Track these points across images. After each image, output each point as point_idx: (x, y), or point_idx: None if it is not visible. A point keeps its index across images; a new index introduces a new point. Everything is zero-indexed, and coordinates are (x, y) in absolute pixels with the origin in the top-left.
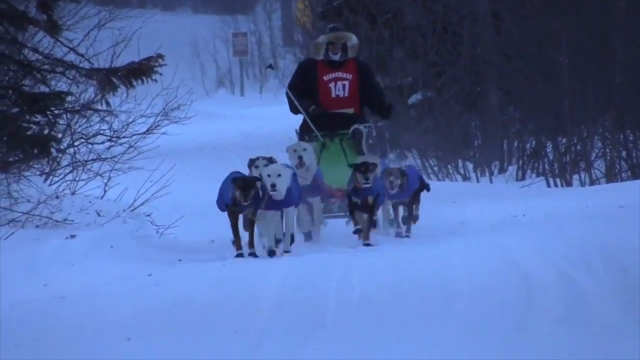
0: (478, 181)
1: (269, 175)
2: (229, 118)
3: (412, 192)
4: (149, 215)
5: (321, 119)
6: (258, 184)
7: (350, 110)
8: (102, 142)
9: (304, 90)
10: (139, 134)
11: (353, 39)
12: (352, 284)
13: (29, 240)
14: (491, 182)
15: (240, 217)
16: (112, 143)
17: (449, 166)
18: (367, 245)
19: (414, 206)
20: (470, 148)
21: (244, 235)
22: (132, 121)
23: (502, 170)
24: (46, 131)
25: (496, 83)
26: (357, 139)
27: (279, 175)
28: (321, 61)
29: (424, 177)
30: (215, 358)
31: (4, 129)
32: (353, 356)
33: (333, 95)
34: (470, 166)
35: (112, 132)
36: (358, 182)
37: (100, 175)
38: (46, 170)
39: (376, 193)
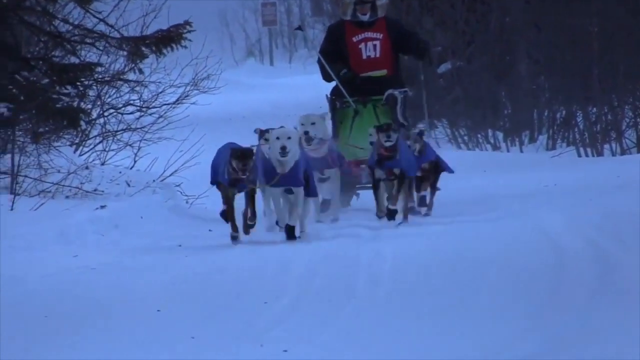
0: (508, 151)
1: (277, 138)
2: (258, 88)
3: (428, 161)
4: (178, 185)
5: (353, 84)
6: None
7: (383, 72)
8: (132, 113)
9: (336, 54)
10: (168, 104)
11: None
12: (382, 253)
13: (59, 211)
14: (521, 151)
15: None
16: (142, 113)
17: (479, 135)
18: (393, 211)
19: (430, 182)
20: (500, 117)
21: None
22: (162, 91)
23: (532, 139)
24: (76, 102)
25: (525, 52)
26: (391, 104)
27: (289, 138)
28: (349, 22)
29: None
30: (246, 328)
31: (34, 100)
32: (384, 326)
33: (364, 56)
34: (500, 135)
35: (141, 103)
36: (383, 147)
37: (130, 145)
38: (76, 141)
39: (403, 165)
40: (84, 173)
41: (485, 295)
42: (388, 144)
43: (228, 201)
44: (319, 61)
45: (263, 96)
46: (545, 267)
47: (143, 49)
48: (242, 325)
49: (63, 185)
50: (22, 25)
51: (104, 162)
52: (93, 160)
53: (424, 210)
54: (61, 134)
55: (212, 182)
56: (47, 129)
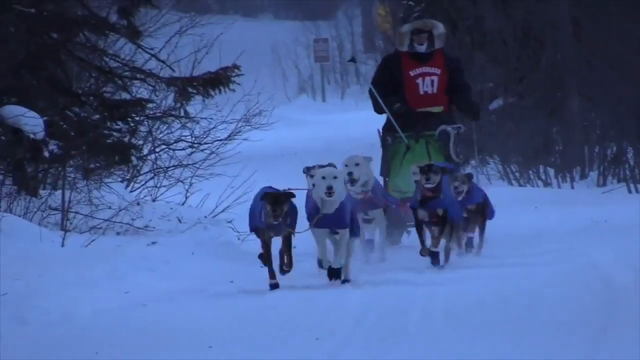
0: (559, 187)
1: (323, 178)
2: (311, 124)
3: (475, 203)
4: (230, 221)
5: (406, 118)
6: (293, 200)
7: (439, 109)
8: (183, 149)
9: (389, 86)
10: (220, 140)
11: (440, 28)
12: (435, 291)
13: (110, 247)
14: (572, 187)
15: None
16: (193, 149)
17: (530, 171)
18: (437, 264)
19: (479, 225)
20: (552, 153)
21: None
22: (213, 127)
23: (583, 176)
24: (127, 138)
25: (577, 88)
26: (444, 140)
27: (335, 177)
28: (405, 54)
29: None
30: None
31: (85, 136)
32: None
33: (421, 92)
34: (551, 172)
35: (193, 138)
36: (425, 188)
37: (181, 181)
38: (127, 177)
39: (447, 205)
40: (135, 209)
41: (539, 332)
42: (428, 185)
43: (265, 245)
44: (370, 92)
45: (315, 132)
46: (597, 303)
47: (190, 89)
48: None
49: (114, 222)
50: (72, 60)
51: (155, 198)
52: (144, 197)
53: (472, 250)
54: (112, 170)
55: (251, 229)
56: (98, 165)
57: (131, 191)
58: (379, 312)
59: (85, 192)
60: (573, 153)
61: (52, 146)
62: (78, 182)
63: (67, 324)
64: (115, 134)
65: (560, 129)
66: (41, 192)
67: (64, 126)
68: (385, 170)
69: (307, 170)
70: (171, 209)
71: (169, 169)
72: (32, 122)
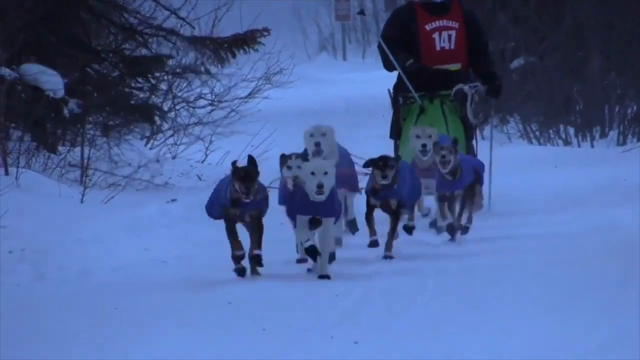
0: (579, 146)
1: (312, 174)
2: (331, 82)
3: (465, 185)
4: None
5: (420, 77)
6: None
7: (457, 66)
8: (204, 106)
9: (401, 42)
10: (240, 98)
11: None
12: (451, 253)
13: (129, 204)
14: (592, 146)
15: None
16: (214, 107)
17: (551, 131)
18: (388, 257)
19: (469, 200)
20: (572, 113)
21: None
22: (234, 85)
23: (603, 135)
24: (147, 95)
25: (598, 48)
26: (460, 101)
27: (326, 173)
28: (419, 5)
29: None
30: (317, 320)
31: (105, 93)
32: (453, 320)
33: (438, 47)
34: (571, 131)
35: (213, 96)
36: (375, 180)
37: (201, 139)
38: (147, 134)
39: (401, 196)
40: (155, 166)
41: (555, 291)
42: (384, 182)
43: (230, 223)
44: (379, 47)
45: (335, 91)
46: (615, 263)
47: (221, 53)
48: (313, 318)
49: (134, 179)
50: (92, 17)
51: (175, 155)
52: (164, 154)
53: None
54: (132, 127)
55: (212, 214)
56: (117, 122)
57: (151, 148)
58: (397, 270)
59: (105, 148)
60: (593, 112)
61: (72, 105)
62: (97, 139)
63: (85, 280)
64: (135, 91)
65: (581, 88)
66: (60, 148)
67: (85, 85)
68: (396, 133)
69: (283, 160)
70: (191, 166)
71: (189, 127)
72: (51, 80)
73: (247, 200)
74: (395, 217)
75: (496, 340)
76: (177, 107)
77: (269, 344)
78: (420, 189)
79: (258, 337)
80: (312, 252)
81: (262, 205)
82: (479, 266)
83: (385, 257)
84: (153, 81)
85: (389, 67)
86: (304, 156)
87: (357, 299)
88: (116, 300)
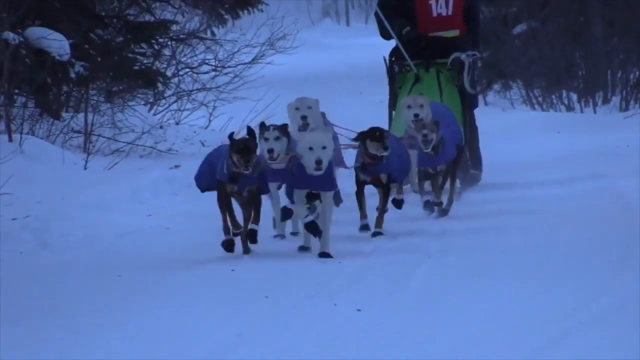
0: (582, 112)
1: (310, 149)
2: (334, 48)
3: (447, 161)
4: None
5: (416, 44)
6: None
7: (455, 32)
8: (207, 72)
9: (398, 9)
10: (244, 63)
11: None
12: (454, 218)
13: (133, 170)
14: (595, 112)
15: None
16: (217, 73)
17: (553, 96)
18: (378, 234)
19: (450, 178)
20: (575, 78)
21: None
22: (237, 51)
23: (605, 101)
24: (151, 61)
25: (600, 14)
26: (457, 70)
27: (324, 147)
28: None
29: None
30: (320, 287)
31: (109, 59)
32: (458, 286)
33: (434, 13)
34: (574, 96)
35: (217, 62)
36: (368, 155)
37: (204, 105)
38: (150, 100)
39: (391, 169)
40: (158, 132)
41: (559, 255)
42: (384, 153)
43: (223, 198)
44: (376, 15)
45: (339, 56)
46: (617, 228)
47: (222, 12)
48: (316, 285)
49: (137, 145)
50: None
51: (179, 121)
52: (167, 120)
53: (434, 210)
54: (135, 93)
55: (203, 188)
56: (121, 88)
57: (154, 114)
58: (400, 237)
59: (109, 114)
60: (596, 78)
61: (78, 67)
62: (101, 105)
63: (89, 246)
64: (139, 57)
65: (584, 53)
66: (64, 114)
67: (89, 50)
68: (393, 103)
69: (262, 130)
70: (194, 132)
71: (193, 93)
72: (56, 44)
73: (247, 172)
74: (385, 192)
75: (498, 307)
76: (181, 73)
77: (271, 311)
78: (409, 161)
79: (260, 305)
80: (313, 227)
81: (260, 180)
82: (480, 233)
83: (375, 233)
84: (157, 47)
85: (385, 35)
86: (282, 128)
87: (360, 266)
88: (120, 267)
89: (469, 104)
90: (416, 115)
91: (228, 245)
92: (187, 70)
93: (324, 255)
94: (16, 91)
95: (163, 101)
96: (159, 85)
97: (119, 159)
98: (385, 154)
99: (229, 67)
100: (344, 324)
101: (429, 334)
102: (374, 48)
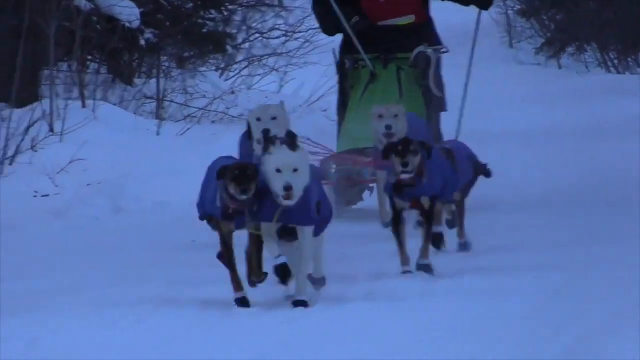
0: None
1: (278, 170)
2: None
3: (433, 193)
4: (324, 110)
5: (370, 36)
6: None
7: (409, 18)
8: (278, 37)
9: None
10: (314, 28)
11: None
12: None
13: (204, 136)
14: None
15: None
16: (288, 38)
17: (629, 59)
18: (426, 267)
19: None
20: None
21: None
22: (307, 16)
23: None
24: (220, 27)
25: None
26: (421, 66)
27: (295, 170)
28: None
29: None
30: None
31: (179, 25)
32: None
33: None
34: None
35: (287, 27)
36: (395, 170)
37: (275, 70)
38: (221, 66)
39: (435, 190)
40: (230, 98)
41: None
42: (405, 176)
43: (224, 242)
44: (314, 7)
45: None
46: None
47: None
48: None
49: (208, 110)
50: None
51: (250, 86)
52: (239, 85)
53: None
54: (206, 58)
55: (202, 217)
56: (192, 53)
57: (226, 80)
58: None
59: (180, 80)
60: None
61: (148, 34)
62: (173, 71)
63: (162, 212)
64: (209, 23)
65: None
66: (136, 80)
67: (158, 15)
68: (343, 105)
69: (267, 142)
70: (265, 97)
71: (263, 58)
72: (127, 10)
73: (244, 197)
74: (429, 219)
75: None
76: (251, 38)
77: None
78: (457, 178)
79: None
80: (281, 271)
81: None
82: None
83: (421, 267)
84: (226, 13)
85: (328, 29)
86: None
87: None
88: (193, 233)
89: (434, 106)
90: (388, 127)
91: (242, 303)
92: (258, 35)
93: (298, 304)
94: (88, 58)
95: (234, 66)
96: (228, 48)
97: (190, 125)
98: (405, 174)
99: (299, 32)
100: None
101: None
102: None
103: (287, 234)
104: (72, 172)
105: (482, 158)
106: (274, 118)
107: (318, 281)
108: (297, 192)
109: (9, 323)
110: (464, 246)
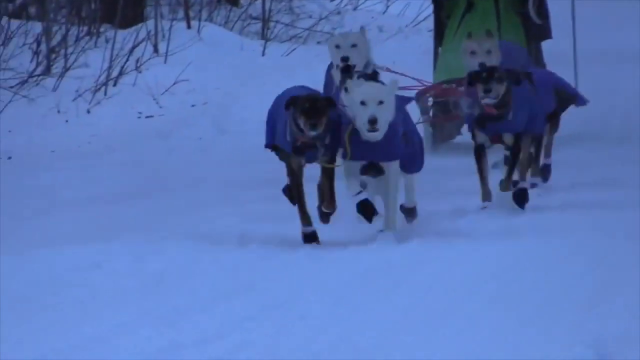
0: None
1: (362, 103)
2: None
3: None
4: (430, 30)
5: None
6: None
7: None
8: None
9: None
10: None
11: None
12: None
13: (310, 57)
14: None
15: None
16: None
17: None
18: (524, 196)
19: (540, 147)
20: None
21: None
22: None
23: None
24: None
25: None
26: None
27: (381, 102)
28: None
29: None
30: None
31: None
32: None
33: None
34: None
35: None
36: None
37: None
38: None
39: (520, 126)
40: (336, 18)
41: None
42: (488, 101)
43: (294, 176)
44: None
45: None
46: None
47: None
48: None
49: (314, 31)
50: None
51: (356, 7)
52: (345, 5)
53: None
54: None
55: (269, 146)
56: None
57: (332, 0)
58: None
59: (286, 0)
60: None
61: None
62: None
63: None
64: None
65: None
66: (242, 1)
67: None
68: (439, 35)
69: (342, 82)
70: (372, 17)
71: None
72: None
73: (315, 133)
74: (514, 155)
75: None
76: None
77: None
78: (543, 114)
79: None
80: (364, 208)
81: (334, 151)
82: None
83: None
84: None
85: None
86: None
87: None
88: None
89: (534, 35)
90: (482, 65)
91: (310, 239)
92: None
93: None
94: None
95: None
96: None
97: (296, 46)
98: (488, 100)
99: None
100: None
101: None
102: None
103: (372, 170)
104: (176, 94)
105: (594, 81)
106: (354, 45)
107: (410, 212)
108: (383, 126)
109: (117, 242)
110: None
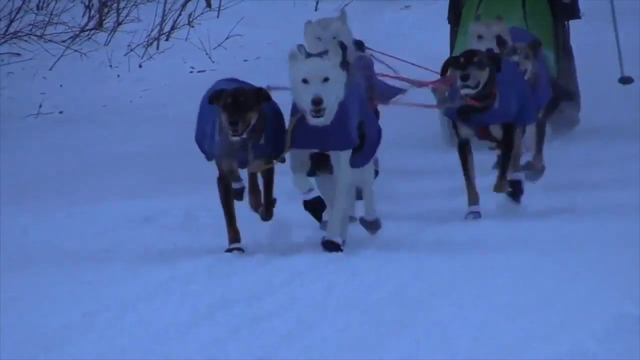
0: None
1: (305, 81)
2: None
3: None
4: None
5: None
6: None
7: None
8: None
9: None
10: None
11: None
12: None
13: (362, 11)
14: None
15: None
16: None
17: None
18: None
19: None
20: None
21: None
22: None
23: None
24: None
25: None
26: None
27: (326, 79)
28: None
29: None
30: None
31: None
32: None
33: None
34: None
35: None
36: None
37: None
38: None
39: (509, 115)
40: None
41: None
42: (466, 91)
43: (224, 181)
44: None
45: None
46: None
47: None
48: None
49: None
50: None
51: None
52: None
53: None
54: None
55: (203, 150)
56: None
57: None
58: None
59: None
60: None
61: None
62: None
63: None
64: None
65: None
66: None
67: None
68: (454, 16)
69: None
70: None
71: None
72: None
73: (236, 138)
74: (506, 150)
75: None
76: None
77: None
78: (536, 102)
79: None
80: (312, 206)
81: (274, 151)
82: None
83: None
84: None
85: None
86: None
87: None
88: None
89: (561, 14)
90: (489, 51)
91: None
92: None
93: (328, 245)
94: None
95: None
96: None
97: (349, 1)
98: (466, 89)
99: None
100: None
101: None
102: None
103: (323, 163)
104: (229, 48)
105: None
106: (335, 38)
107: (371, 224)
108: (330, 108)
109: (166, 197)
110: (532, 176)
